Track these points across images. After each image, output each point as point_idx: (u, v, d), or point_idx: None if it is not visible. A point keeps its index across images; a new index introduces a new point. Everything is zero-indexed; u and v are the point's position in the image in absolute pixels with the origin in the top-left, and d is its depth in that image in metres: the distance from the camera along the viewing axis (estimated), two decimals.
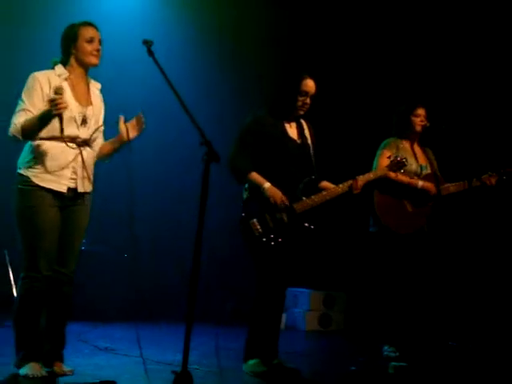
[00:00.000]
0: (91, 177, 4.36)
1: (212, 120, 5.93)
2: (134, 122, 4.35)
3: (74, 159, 4.23)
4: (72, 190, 4.26)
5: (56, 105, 3.97)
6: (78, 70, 4.33)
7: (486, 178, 5.69)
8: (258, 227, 4.66)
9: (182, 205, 7.44)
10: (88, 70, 4.38)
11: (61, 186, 4.21)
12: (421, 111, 5.69)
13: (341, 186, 4.86)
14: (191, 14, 8.16)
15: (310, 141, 4.93)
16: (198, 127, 3.68)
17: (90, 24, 4.36)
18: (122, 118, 4.34)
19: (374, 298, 6.11)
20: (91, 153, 4.35)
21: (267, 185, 4.67)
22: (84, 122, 4.26)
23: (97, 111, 4.37)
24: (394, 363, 5.15)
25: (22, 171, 4.22)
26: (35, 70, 4.27)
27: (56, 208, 4.24)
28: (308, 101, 4.81)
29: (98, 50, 4.31)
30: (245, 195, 4.80)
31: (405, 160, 5.19)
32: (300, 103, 4.80)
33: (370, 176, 5.03)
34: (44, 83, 4.18)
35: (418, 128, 5.68)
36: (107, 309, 7.07)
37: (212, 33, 8.12)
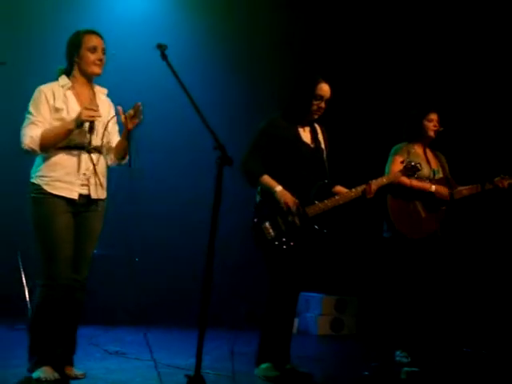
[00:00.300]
0: (104, 183, 4.37)
1: (224, 124, 5.90)
2: (131, 112, 4.27)
3: (85, 166, 4.25)
4: (85, 197, 4.28)
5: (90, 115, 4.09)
6: (81, 80, 4.34)
7: (498, 181, 5.67)
8: (271, 231, 4.65)
9: (195, 209, 7.43)
10: (91, 79, 4.37)
11: (72, 193, 4.23)
12: (433, 116, 5.68)
13: (354, 190, 4.84)
14: (203, 17, 8.16)
15: (323, 145, 4.92)
16: (211, 131, 3.69)
17: (93, 32, 4.35)
18: (120, 109, 4.31)
19: (386, 302, 6.08)
20: (103, 159, 4.36)
21: (279, 188, 4.67)
22: (91, 129, 4.26)
23: (103, 117, 4.35)
24: (406, 368, 5.13)
25: (34, 180, 4.26)
26: (45, 74, 4.32)
27: (69, 214, 4.26)
28: (323, 105, 4.81)
29: (100, 60, 4.30)
30: (257, 198, 4.80)
31: (419, 165, 5.17)
32: (315, 107, 4.79)
33: (384, 180, 5.02)
34: (49, 96, 4.22)
35: (431, 133, 5.67)
36: (118, 313, 7.08)
37: (224, 37, 8.12)
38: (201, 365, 3.55)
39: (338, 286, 7.80)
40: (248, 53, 8.16)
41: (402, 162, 5.26)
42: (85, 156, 4.25)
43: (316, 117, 4.87)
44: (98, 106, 4.27)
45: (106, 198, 4.41)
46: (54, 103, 4.21)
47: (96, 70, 4.30)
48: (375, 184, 4.90)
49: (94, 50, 4.28)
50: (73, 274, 4.29)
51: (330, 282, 7.80)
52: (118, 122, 4.42)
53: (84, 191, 4.26)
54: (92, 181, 4.27)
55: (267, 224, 4.66)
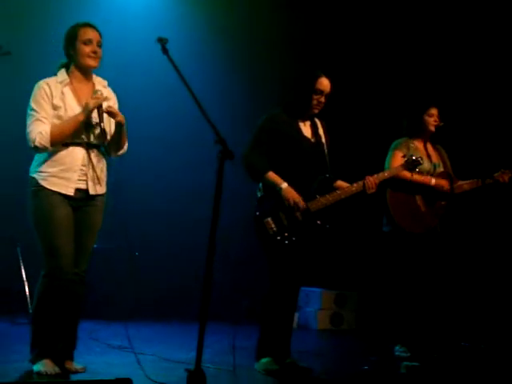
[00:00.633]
0: (103, 178, 4.37)
1: (225, 119, 5.89)
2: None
3: (83, 162, 4.25)
4: (83, 192, 4.28)
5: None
6: (78, 74, 4.32)
7: (498, 176, 5.68)
8: (273, 226, 4.66)
9: (196, 203, 7.43)
10: (88, 72, 4.34)
11: (68, 188, 4.23)
12: (434, 111, 5.68)
13: (355, 185, 4.85)
14: (204, 11, 8.15)
15: (324, 140, 4.93)
16: (212, 125, 3.68)
17: (89, 25, 4.33)
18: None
19: (386, 297, 6.09)
20: (102, 155, 4.36)
21: (285, 185, 4.67)
22: (89, 124, 4.26)
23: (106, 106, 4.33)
24: (406, 363, 5.13)
25: (32, 175, 4.27)
26: (47, 65, 4.33)
27: (69, 208, 4.26)
28: (323, 99, 4.81)
29: (95, 52, 4.27)
30: (259, 194, 4.80)
31: (420, 159, 5.18)
32: (315, 102, 4.79)
33: (385, 175, 5.03)
34: (48, 91, 4.21)
35: (432, 128, 5.67)
36: (119, 307, 7.08)
37: (225, 30, 8.10)
38: (201, 359, 3.55)
39: (338, 281, 7.81)
40: (249, 47, 8.15)
41: (403, 157, 5.27)
42: (83, 152, 4.25)
43: (316, 111, 4.87)
44: (102, 93, 4.26)
45: (105, 193, 4.41)
46: (52, 100, 4.21)
47: (91, 62, 4.28)
48: (376, 178, 4.90)
49: (88, 42, 4.26)
50: (72, 268, 4.29)
51: (330, 277, 7.81)
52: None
53: (82, 186, 4.26)
54: (90, 176, 4.27)
55: (269, 219, 4.67)
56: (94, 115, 4.24)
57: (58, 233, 4.20)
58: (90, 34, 4.28)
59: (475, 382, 4.94)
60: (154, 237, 7.81)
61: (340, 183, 4.88)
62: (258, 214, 4.70)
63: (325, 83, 4.79)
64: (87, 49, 4.25)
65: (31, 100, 4.23)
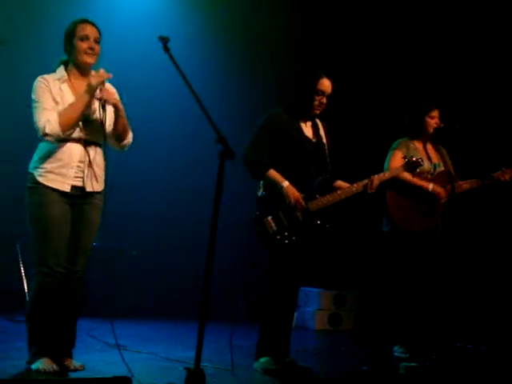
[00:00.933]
0: (101, 176, 4.35)
1: (224, 119, 5.88)
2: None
3: (80, 158, 4.24)
4: (79, 189, 4.27)
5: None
6: (75, 71, 4.31)
7: (499, 174, 5.68)
8: (273, 225, 4.66)
9: (196, 203, 7.43)
10: (86, 69, 4.31)
11: (64, 185, 4.22)
12: (435, 113, 5.68)
13: (355, 185, 4.86)
14: (204, 10, 8.15)
15: (324, 140, 4.93)
16: (212, 124, 3.67)
17: (86, 21, 4.31)
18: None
19: (385, 297, 6.09)
20: (100, 152, 4.35)
21: (286, 183, 4.68)
22: (87, 121, 4.25)
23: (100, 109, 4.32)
24: (405, 363, 5.13)
25: (31, 171, 4.27)
26: (45, 64, 4.32)
27: (65, 205, 4.26)
28: (324, 100, 4.82)
29: (91, 48, 4.24)
30: (259, 193, 4.80)
31: (420, 160, 5.19)
32: (317, 103, 4.80)
33: (385, 175, 5.05)
34: (47, 85, 4.21)
35: (431, 129, 5.68)
36: (118, 306, 7.08)
37: (226, 29, 8.11)
38: (200, 358, 3.54)
39: (337, 281, 7.81)
40: (251, 46, 8.15)
41: (404, 158, 5.28)
42: (80, 148, 4.24)
43: (317, 112, 4.87)
44: (104, 70, 4.23)
45: (103, 191, 4.38)
46: (51, 94, 4.21)
47: (87, 59, 4.25)
48: (377, 179, 4.92)
49: (85, 38, 4.24)
50: (70, 266, 4.29)
51: (329, 277, 7.80)
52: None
53: (78, 183, 4.26)
54: (87, 173, 4.26)
55: (269, 218, 4.67)
56: (94, 107, 4.23)
57: (51, 229, 4.19)
58: (88, 30, 4.27)
59: (474, 383, 4.94)
60: (154, 236, 7.81)
61: (340, 183, 4.88)
62: (258, 213, 4.70)
63: (326, 84, 4.80)
64: (84, 45, 4.24)
65: (33, 95, 4.22)
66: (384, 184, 5.20)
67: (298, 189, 4.70)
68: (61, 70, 4.31)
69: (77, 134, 4.22)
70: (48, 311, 4.23)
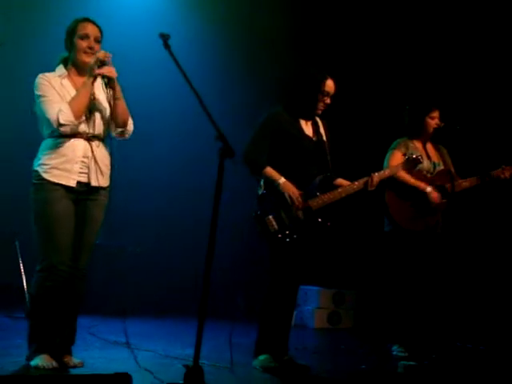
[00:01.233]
0: (106, 171, 4.34)
1: (224, 118, 5.88)
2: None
3: (84, 154, 4.24)
4: (84, 185, 4.27)
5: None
6: (75, 70, 4.32)
7: (499, 172, 5.68)
8: (274, 223, 4.66)
9: (196, 201, 7.44)
10: (85, 69, 4.27)
11: (69, 180, 4.22)
12: (436, 113, 5.69)
13: (356, 183, 4.86)
14: (204, 10, 8.16)
15: (325, 138, 4.94)
16: (213, 121, 3.67)
17: (88, 20, 4.31)
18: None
19: (384, 296, 6.09)
20: (104, 147, 4.36)
21: (282, 180, 4.68)
22: (88, 117, 4.25)
23: (102, 103, 4.32)
24: (403, 362, 5.14)
25: (35, 167, 4.27)
26: (45, 64, 4.32)
27: (70, 202, 4.26)
28: (328, 101, 4.85)
29: (91, 48, 4.25)
30: (260, 191, 4.80)
31: (420, 157, 5.20)
32: (321, 103, 4.82)
33: (386, 173, 5.06)
34: (48, 81, 4.21)
35: (431, 130, 5.68)
36: (118, 303, 7.08)
37: (227, 27, 8.12)
38: (199, 355, 3.55)
39: (336, 280, 7.81)
40: (251, 45, 8.16)
41: (404, 155, 5.29)
42: (84, 143, 4.25)
43: (320, 112, 4.89)
44: (100, 51, 4.22)
45: (108, 187, 4.38)
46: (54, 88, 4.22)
47: (85, 58, 4.25)
48: (377, 176, 4.92)
49: (85, 37, 4.25)
50: (72, 262, 4.28)
51: (328, 275, 7.81)
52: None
53: (83, 179, 4.26)
54: (91, 168, 4.26)
55: (270, 217, 4.67)
56: (97, 91, 4.25)
57: (55, 226, 4.19)
58: (88, 29, 4.27)
59: (473, 382, 4.95)
60: (154, 234, 7.81)
61: (341, 181, 4.89)
62: (258, 212, 4.71)
63: (331, 85, 4.83)
64: (84, 44, 4.25)
65: (36, 91, 4.22)
66: (383, 184, 5.21)
67: (299, 187, 4.70)
68: (60, 68, 4.32)
69: (80, 129, 4.22)
70: (49, 309, 4.23)
